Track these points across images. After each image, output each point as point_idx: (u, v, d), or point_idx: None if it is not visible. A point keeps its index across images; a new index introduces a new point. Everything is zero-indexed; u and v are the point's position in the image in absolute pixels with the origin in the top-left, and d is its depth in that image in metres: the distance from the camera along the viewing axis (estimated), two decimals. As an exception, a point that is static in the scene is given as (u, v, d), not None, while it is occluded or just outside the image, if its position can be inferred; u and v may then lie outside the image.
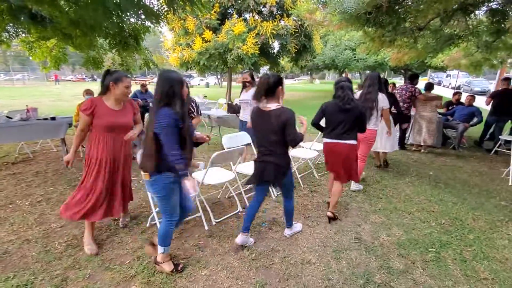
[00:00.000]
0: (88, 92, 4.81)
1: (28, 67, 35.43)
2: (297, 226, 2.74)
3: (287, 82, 42.11)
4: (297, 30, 11.30)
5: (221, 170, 3.14)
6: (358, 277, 2.14)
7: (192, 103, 3.32)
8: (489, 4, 5.20)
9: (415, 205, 3.34)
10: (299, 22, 11.26)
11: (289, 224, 2.65)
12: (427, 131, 5.58)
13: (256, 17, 11.62)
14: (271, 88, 2.16)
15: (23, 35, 5.77)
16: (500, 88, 6.49)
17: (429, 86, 5.76)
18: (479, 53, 9.09)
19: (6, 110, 4.51)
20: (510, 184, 4.12)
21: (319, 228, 2.81)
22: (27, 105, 4.40)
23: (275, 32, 10.79)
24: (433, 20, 6.36)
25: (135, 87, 7.05)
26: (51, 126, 4.09)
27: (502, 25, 5.65)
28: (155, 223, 2.69)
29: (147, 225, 2.76)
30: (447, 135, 6.51)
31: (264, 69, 18.41)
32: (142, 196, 3.42)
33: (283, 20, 11.27)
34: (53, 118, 4.15)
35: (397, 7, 4.65)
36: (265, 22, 10.74)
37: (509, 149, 5.96)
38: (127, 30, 5.09)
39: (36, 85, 27.43)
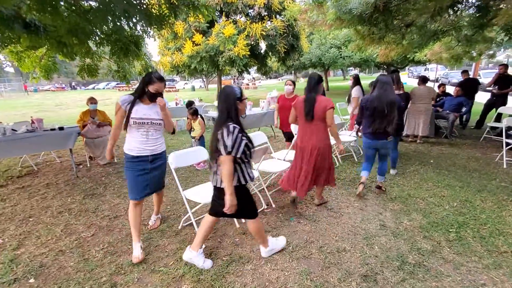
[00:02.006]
0: (93, 101, 4.74)
1: (4, 78, 33.86)
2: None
3: (271, 82, 42.46)
4: (285, 31, 11.50)
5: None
6: (393, 259, 2.28)
7: None
8: (474, 1, 5.55)
9: (426, 191, 3.54)
10: (287, 23, 11.48)
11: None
12: (424, 122, 5.87)
13: (243, 19, 11.74)
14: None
15: (12, 44, 5.60)
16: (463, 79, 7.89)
17: (424, 79, 6.05)
18: (459, 46, 9.63)
19: (11, 122, 4.37)
20: (505, 167, 4.43)
21: (343, 218, 2.95)
22: (31, 117, 4.29)
23: (264, 33, 10.94)
24: (419, 17, 6.70)
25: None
26: (60, 137, 4.01)
27: (485, 20, 6.04)
28: (189, 224, 2.73)
29: (179, 227, 2.79)
30: (438, 125, 6.87)
31: (253, 70, 18.54)
32: (164, 201, 3.42)
33: (271, 21, 11.44)
34: (61, 128, 4.07)
35: (392, 6, 4.89)
36: (254, 23, 10.87)
37: (496, 135, 6.41)
38: (127, 36, 5.06)
39: (13, 97, 26.26)
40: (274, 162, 3.55)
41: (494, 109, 7.05)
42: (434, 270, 2.16)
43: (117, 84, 36.92)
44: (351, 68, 33.81)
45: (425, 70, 28.45)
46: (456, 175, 4.09)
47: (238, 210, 2.01)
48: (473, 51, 10.08)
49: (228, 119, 1.94)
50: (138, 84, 2.39)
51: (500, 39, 7.55)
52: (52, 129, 4.08)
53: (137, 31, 5.26)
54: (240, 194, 2.02)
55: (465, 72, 8.12)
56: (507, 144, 4.61)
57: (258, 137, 3.56)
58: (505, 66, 7.09)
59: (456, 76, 21.94)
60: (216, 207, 2.13)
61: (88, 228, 2.83)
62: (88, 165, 4.80)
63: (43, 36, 4.73)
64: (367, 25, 5.71)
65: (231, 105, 1.95)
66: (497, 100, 7.00)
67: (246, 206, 2.14)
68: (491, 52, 10.22)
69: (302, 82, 38.59)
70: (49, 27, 4.60)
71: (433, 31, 7.60)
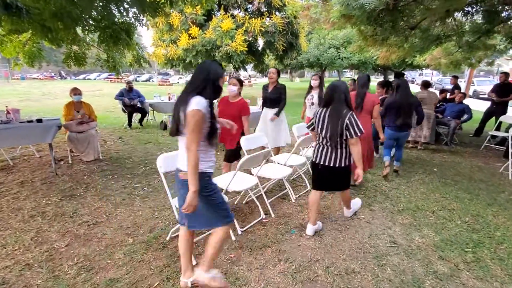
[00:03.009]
0: (76, 91, 4.35)
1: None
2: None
3: (267, 81, 42.05)
4: (284, 28, 11.19)
5: (241, 174, 2.92)
6: (408, 285, 2.02)
7: None
8: (483, 6, 5.37)
9: (435, 203, 3.32)
10: (287, 20, 11.17)
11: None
12: (427, 128, 5.69)
13: (242, 14, 11.38)
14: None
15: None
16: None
17: (426, 84, 5.86)
18: (459, 52, 9.53)
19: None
20: (510, 178, 4.25)
21: (350, 232, 2.69)
22: (6, 106, 3.88)
23: (263, 30, 10.61)
24: (429, 18, 6.51)
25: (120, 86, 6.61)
26: (38, 130, 3.62)
27: (492, 25, 5.88)
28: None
29: (167, 238, 2.48)
30: (438, 131, 6.70)
31: (249, 67, 18.17)
32: (151, 206, 3.10)
33: (271, 17, 11.12)
34: (39, 121, 3.68)
35: (401, 5, 4.66)
36: (253, 19, 10.52)
37: (496, 144, 6.30)
38: (117, 23, 4.67)
39: (-3, 84, 25.20)
40: (274, 167, 3.26)
41: (493, 118, 6.96)
42: (455, 299, 1.92)
43: (109, 75, 35.91)
44: (346, 70, 33.80)
45: (419, 75, 28.70)
46: (462, 186, 3.89)
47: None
48: (472, 58, 10.02)
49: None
50: (197, 81, 1.66)
51: (503, 47, 7.43)
52: (29, 121, 3.68)
53: (128, 18, 4.89)
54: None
55: (455, 77, 8.38)
56: (514, 154, 4.44)
57: (257, 139, 3.26)
58: (506, 74, 6.98)
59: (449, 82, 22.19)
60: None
61: (63, 236, 2.49)
62: (70, 161, 4.41)
63: (26, 19, 4.31)
64: (373, 25, 5.47)
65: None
66: (497, 109, 6.89)
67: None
68: (490, 60, 10.17)
69: (297, 82, 38.45)
70: (32, 9, 4.19)
71: (436, 35, 7.45)
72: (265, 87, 4.28)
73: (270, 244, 2.46)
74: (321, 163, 2.49)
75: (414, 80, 28.66)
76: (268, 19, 11.19)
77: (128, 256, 2.24)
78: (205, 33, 10.34)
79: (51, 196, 3.24)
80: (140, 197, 3.29)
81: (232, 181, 2.50)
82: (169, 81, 31.69)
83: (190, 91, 1.62)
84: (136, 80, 32.18)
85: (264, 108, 4.29)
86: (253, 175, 2.87)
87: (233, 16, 10.85)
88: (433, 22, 6.92)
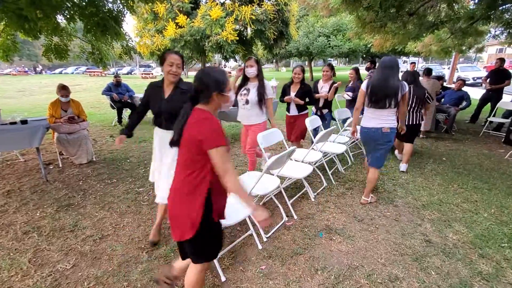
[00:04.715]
0: (63, 93, 3.92)
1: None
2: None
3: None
4: (275, 16, 10.82)
5: (257, 175, 2.68)
6: (459, 290, 1.89)
7: None
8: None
9: (456, 196, 3.22)
10: (277, 7, 10.80)
11: None
12: (427, 117, 5.61)
13: (229, 1, 10.89)
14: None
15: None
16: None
17: (428, 72, 5.76)
18: (451, 39, 9.55)
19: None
20: (518, 165, 4.25)
21: (380, 232, 2.53)
22: (-17, 106, 3.42)
23: (254, 17, 10.20)
24: (423, 6, 6.39)
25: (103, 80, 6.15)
26: (24, 133, 3.18)
27: (493, 11, 5.82)
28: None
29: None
30: (437, 119, 6.69)
31: (237, 57, 17.66)
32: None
33: (261, 4, 10.70)
34: (24, 122, 3.25)
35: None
36: (243, 6, 10.08)
37: (493, 130, 6.36)
38: (106, 10, 4.22)
39: (-35, 80, 23.40)
40: (293, 165, 3.03)
41: (489, 104, 7.01)
42: (510, 303, 1.80)
43: (88, 68, 34.14)
44: (330, 59, 33.73)
45: (403, 63, 29.05)
46: (477, 175, 3.82)
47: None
48: (463, 45, 10.09)
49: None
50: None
51: (498, 33, 7.44)
52: (11, 123, 3.25)
53: (116, 5, 4.43)
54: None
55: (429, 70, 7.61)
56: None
57: (273, 135, 3.01)
58: (502, 60, 7.01)
59: (434, 69, 22.53)
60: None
61: (66, 255, 2.18)
62: (60, 165, 4.01)
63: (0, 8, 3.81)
64: (378, 10, 5.27)
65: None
66: (492, 95, 6.93)
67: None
68: (480, 45, 10.30)
69: (283, 72, 38.11)
70: (10, -3, 3.68)
71: (432, 22, 7.38)
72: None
73: (301, 251, 2.26)
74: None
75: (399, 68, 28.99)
76: (258, 6, 10.78)
77: (147, 276, 1.97)
78: (193, 22, 9.83)
79: (45, 207, 2.88)
80: (146, 203, 2.99)
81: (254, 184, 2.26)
82: (152, 73, 30.55)
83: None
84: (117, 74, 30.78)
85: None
86: (273, 175, 2.64)
87: (222, 4, 10.36)
88: (434, 7, 6.82)
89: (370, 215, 2.81)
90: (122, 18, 4.55)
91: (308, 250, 2.27)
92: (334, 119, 4.39)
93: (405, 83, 2.71)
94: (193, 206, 1.33)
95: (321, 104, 4.14)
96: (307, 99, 3.74)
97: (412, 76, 4.09)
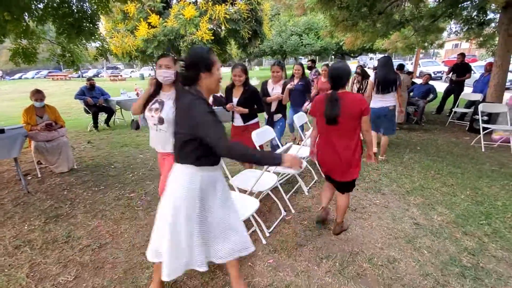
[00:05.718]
0: (37, 96, 3.70)
1: None
2: None
3: (224, 71, 41.13)
4: (249, 15, 10.88)
5: (256, 172, 2.74)
6: (450, 265, 2.07)
7: None
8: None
9: (435, 181, 3.49)
10: (251, 6, 10.86)
11: None
12: (400, 109, 5.98)
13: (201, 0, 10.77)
14: None
15: None
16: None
17: (401, 67, 6.13)
18: (414, 36, 10.20)
19: None
20: (483, 150, 4.67)
21: (373, 219, 2.69)
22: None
23: (228, 17, 10.18)
24: (391, 5, 6.79)
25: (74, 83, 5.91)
26: (2, 143, 2.95)
27: (453, 8, 6.33)
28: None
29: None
30: (408, 111, 7.15)
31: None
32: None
33: (234, 3, 10.70)
34: (1, 131, 3.01)
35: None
36: (216, 5, 10.02)
37: (457, 119, 6.93)
38: (79, 11, 4.03)
39: None
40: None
41: (452, 96, 7.61)
42: (494, 272, 2.01)
43: (50, 72, 31.85)
44: (301, 58, 34.51)
45: (370, 60, 30.53)
46: (450, 161, 4.16)
47: None
48: (425, 41, 10.80)
49: None
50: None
51: (459, 29, 8.07)
52: (-15, 132, 3.01)
53: (91, 5, 4.23)
54: None
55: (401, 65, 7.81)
56: (484, 128, 4.88)
57: (266, 133, 3.07)
58: (463, 55, 7.62)
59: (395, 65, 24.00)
60: None
61: (65, 267, 2.08)
62: (39, 175, 3.77)
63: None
64: (352, 9, 5.52)
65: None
66: (455, 87, 7.52)
67: None
68: (440, 41, 11.09)
69: (257, 70, 38.32)
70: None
71: (398, 20, 7.86)
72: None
73: (304, 242, 2.34)
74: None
75: (366, 64, 30.48)
76: (231, 5, 10.77)
77: (156, 280, 1.94)
78: (166, 22, 9.60)
79: (32, 219, 2.71)
80: (141, 208, 2.92)
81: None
82: (121, 75, 29.36)
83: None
84: (82, 77, 28.55)
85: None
86: (269, 171, 2.71)
87: (194, 3, 10.22)
88: (400, 6, 7.26)
89: (362, 204, 2.97)
90: (97, 18, 4.36)
91: (310, 241, 2.36)
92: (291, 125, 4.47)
93: (400, 74, 3.29)
94: (359, 157, 2.22)
95: (273, 108, 3.50)
96: (255, 106, 3.03)
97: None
